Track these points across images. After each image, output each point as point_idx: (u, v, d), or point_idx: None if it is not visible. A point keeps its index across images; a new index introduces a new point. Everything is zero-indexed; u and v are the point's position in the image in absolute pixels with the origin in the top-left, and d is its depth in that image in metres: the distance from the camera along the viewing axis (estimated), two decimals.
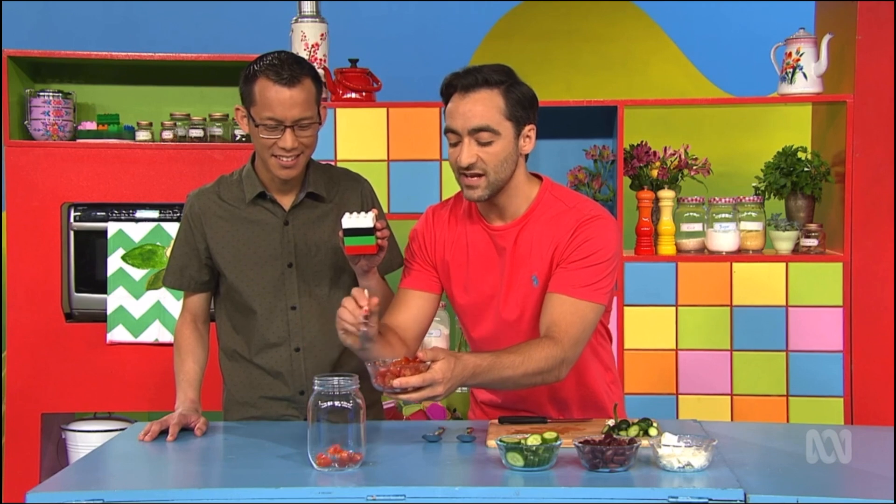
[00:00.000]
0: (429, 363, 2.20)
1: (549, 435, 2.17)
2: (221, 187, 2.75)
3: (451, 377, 2.22)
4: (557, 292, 2.45)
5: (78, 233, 3.93)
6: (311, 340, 2.70)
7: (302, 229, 2.70)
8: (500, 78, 2.46)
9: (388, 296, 2.73)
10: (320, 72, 3.92)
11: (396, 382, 2.19)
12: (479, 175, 2.46)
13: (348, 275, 2.72)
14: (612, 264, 2.49)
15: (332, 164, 3.80)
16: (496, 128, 2.44)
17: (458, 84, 2.46)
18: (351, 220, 2.48)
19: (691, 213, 3.91)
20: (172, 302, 3.84)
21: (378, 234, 2.49)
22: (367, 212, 2.52)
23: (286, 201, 2.70)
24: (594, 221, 2.49)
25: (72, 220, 3.92)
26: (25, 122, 3.97)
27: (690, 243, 3.91)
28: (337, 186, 2.75)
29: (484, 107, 2.44)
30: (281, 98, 2.53)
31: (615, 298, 3.71)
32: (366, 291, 2.35)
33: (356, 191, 2.77)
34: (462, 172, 2.47)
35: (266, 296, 2.70)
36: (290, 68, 2.55)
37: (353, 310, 2.32)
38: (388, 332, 2.52)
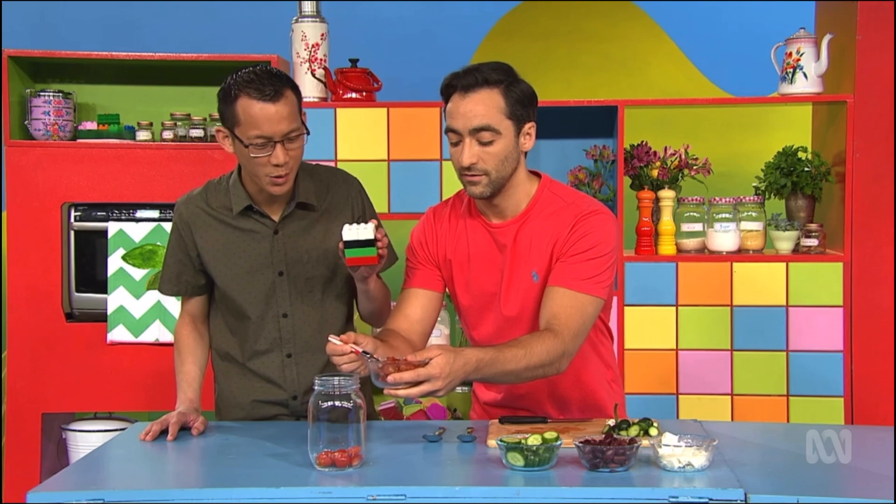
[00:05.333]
0: (427, 360, 2.20)
1: (550, 435, 2.17)
2: (209, 194, 2.71)
3: (451, 372, 2.22)
4: (557, 285, 2.46)
5: (78, 233, 3.93)
6: (303, 346, 2.69)
7: (292, 238, 2.67)
8: (500, 77, 2.46)
9: (386, 293, 2.74)
10: (321, 72, 3.92)
11: (390, 378, 2.19)
12: (482, 174, 2.46)
13: (340, 279, 2.71)
14: (611, 258, 2.49)
15: (333, 164, 3.80)
16: (497, 127, 2.45)
17: (458, 84, 2.47)
18: (351, 232, 2.45)
19: (692, 213, 3.91)
20: (173, 302, 3.83)
21: (378, 243, 2.47)
22: (363, 216, 2.51)
23: (275, 212, 2.67)
24: (593, 216, 2.50)
25: (72, 219, 3.92)
26: (26, 122, 3.97)
27: (691, 243, 3.91)
28: (326, 191, 2.71)
29: (484, 107, 2.44)
30: (267, 114, 2.47)
31: (615, 298, 3.71)
32: (331, 337, 2.32)
33: (346, 194, 2.73)
34: (464, 172, 2.48)
35: (257, 303, 2.68)
36: (271, 83, 2.48)
37: (346, 357, 2.30)
38: (391, 337, 2.52)
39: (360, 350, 2.30)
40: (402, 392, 2.21)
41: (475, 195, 2.51)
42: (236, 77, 2.52)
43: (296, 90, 2.56)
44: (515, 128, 2.48)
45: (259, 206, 2.66)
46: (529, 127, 2.51)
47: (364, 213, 2.72)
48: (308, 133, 2.58)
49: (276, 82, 2.50)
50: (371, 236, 2.46)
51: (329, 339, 2.33)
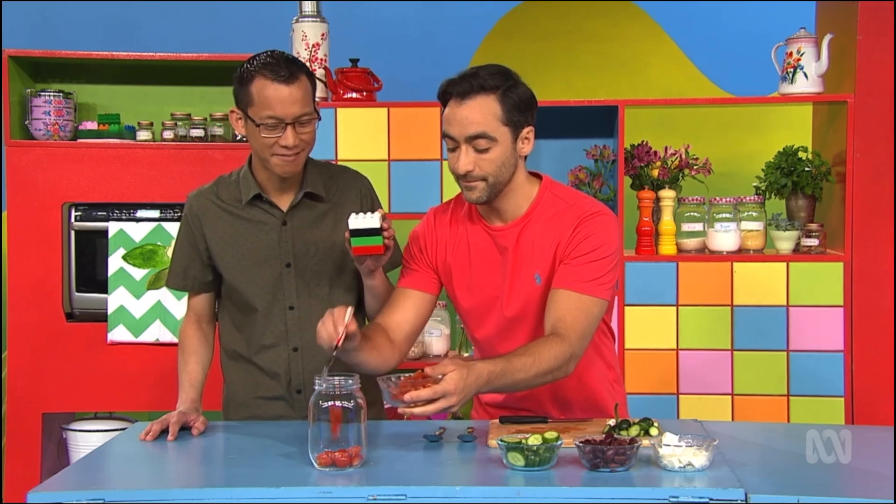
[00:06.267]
0: (440, 376, 2.20)
1: (550, 434, 2.17)
2: (220, 188, 2.74)
3: (465, 387, 2.21)
4: (562, 288, 2.45)
5: (78, 232, 3.93)
6: (310, 340, 2.68)
7: (300, 229, 2.70)
8: (496, 83, 2.43)
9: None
10: (321, 71, 3.92)
11: (407, 396, 2.18)
12: (478, 179, 2.46)
13: (348, 273, 2.72)
14: (614, 260, 2.49)
15: (333, 163, 3.80)
16: (493, 134, 2.43)
17: (454, 90, 2.44)
18: (358, 221, 2.48)
19: (692, 213, 3.91)
20: (173, 302, 3.84)
21: (385, 233, 2.50)
22: (371, 211, 2.52)
23: (284, 202, 2.70)
24: (595, 217, 2.49)
25: (72, 219, 3.92)
26: (26, 122, 3.97)
27: (691, 243, 3.91)
28: (335, 185, 2.75)
29: (480, 114, 2.42)
30: (281, 96, 2.53)
31: (616, 297, 3.70)
32: (348, 311, 2.31)
33: (354, 189, 2.77)
34: (460, 178, 2.47)
35: (264, 296, 2.69)
36: (286, 66, 2.55)
37: (330, 333, 2.30)
38: (375, 335, 2.51)
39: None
40: (417, 410, 2.20)
41: (472, 200, 2.50)
42: (253, 60, 2.58)
43: (310, 76, 2.61)
44: (512, 134, 2.45)
45: (268, 195, 2.68)
46: (528, 132, 2.49)
47: (373, 209, 2.73)
48: (319, 119, 2.62)
49: (291, 66, 2.56)
50: (377, 225, 2.47)
51: (335, 312, 2.30)
